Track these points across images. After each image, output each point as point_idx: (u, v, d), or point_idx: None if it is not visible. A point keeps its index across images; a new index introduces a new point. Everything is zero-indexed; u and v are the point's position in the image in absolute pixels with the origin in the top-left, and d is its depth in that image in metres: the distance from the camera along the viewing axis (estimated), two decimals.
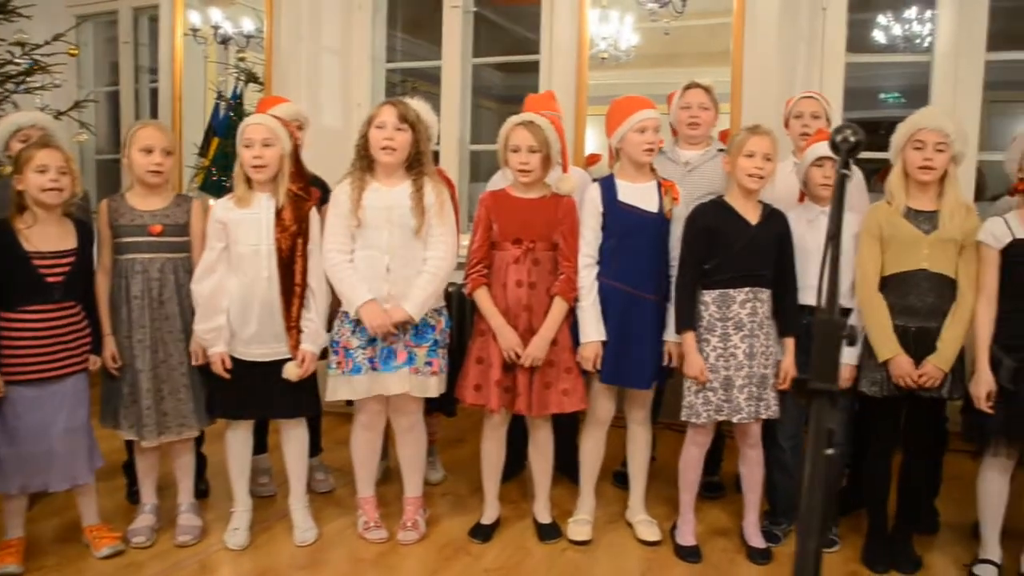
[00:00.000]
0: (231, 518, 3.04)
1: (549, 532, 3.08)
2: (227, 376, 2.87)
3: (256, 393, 2.92)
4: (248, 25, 5.41)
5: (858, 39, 6.64)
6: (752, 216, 2.84)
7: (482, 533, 3.08)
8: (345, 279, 2.87)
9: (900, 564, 2.89)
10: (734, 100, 4.12)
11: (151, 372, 2.86)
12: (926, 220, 2.77)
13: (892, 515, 2.95)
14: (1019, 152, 2.70)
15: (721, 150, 3.15)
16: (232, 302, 2.88)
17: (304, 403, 3.00)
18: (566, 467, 3.38)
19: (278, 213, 2.88)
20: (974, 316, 2.73)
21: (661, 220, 2.91)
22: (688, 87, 3.28)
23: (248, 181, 2.90)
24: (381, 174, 2.91)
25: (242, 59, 5.39)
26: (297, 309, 2.91)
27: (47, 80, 4.61)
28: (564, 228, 2.91)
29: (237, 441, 3.03)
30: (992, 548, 2.84)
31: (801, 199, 3.04)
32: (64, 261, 2.76)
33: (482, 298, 2.91)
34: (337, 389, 2.91)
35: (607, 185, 2.94)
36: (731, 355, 2.82)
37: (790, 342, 2.88)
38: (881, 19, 6.68)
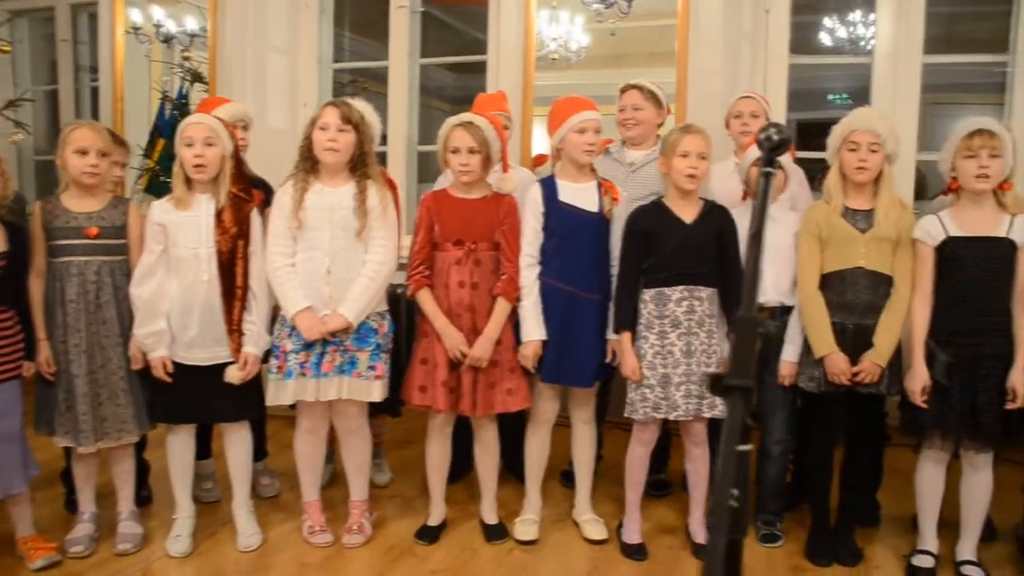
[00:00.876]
0: (173, 525, 2.99)
1: (496, 532, 3.08)
2: (168, 380, 2.83)
3: (197, 397, 2.88)
4: (192, 24, 5.32)
5: (805, 41, 6.77)
6: (688, 215, 2.87)
7: (428, 535, 3.07)
8: (284, 284, 2.84)
9: (842, 557, 2.94)
10: (679, 100, 4.16)
11: (88, 377, 2.80)
12: (863, 219, 2.82)
13: (835, 509, 3.00)
14: (951, 152, 2.76)
15: None
16: (172, 305, 2.84)
17: (246, 407, 2.97)
18: (513, 467, 3.39)
19: (218, 215, 2.84)
20: (909, 312, 2.79)
21: (601, 220, 2.93)
22: (623, 89, 3.31)
23: (188, 182, 2.86)
24: (324, 175, 2.89)
25: (187, 58, 5.30)
26: (238, 312, 2.87)
27: None
28: (505, 228, 2.92)
29: (179, 446, 2.97)
30: (929, 539, 2.90)
31: (744, 198, 3.08)
32: None
33: (425, 299, 2.90)
34: (276, 393, 2.88)
35: (548, 185, 2.95)
36: (668, 352, 2.84)
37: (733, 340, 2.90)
38: (827, 22, 6.79)
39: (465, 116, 2.90)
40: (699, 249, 2.85)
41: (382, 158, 4.72)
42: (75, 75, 5.59)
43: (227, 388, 2.86)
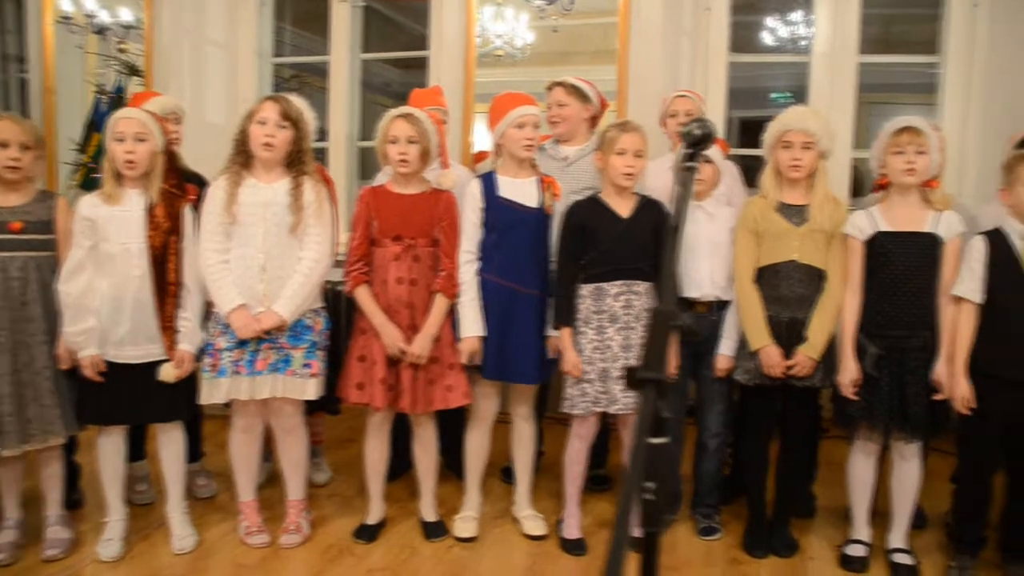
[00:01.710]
0: (104, 528, 2.92)
1: (435, 530, 3.07)
2: (100, 380, 2.76)
3: (129, 397, 2.81)
4: (127, 14, 5.16)
5: (748, 40, 6.86)
6: (624, 210, 2.88)
7: (367, 533, 3.04)
8: (217, 281, 2.80)
9: (778, 549, 2.99)
10: (620, 97, 4.19)
11: (11, 377, 2.71)
12: (797, 214, 2.86)
13: (772, 501, 3.04)
14: (880, 149, 2.82)
15: None
16: (102, 302, 2.78)
17: (179, 406, 2.91)
18: (454, 464, 3.37)
19: (150, 210, 2.78)
20: (841, 305, 2.84)
21: (541, 216, 2.93)
22: (549, 87, 3.32)
23: (118, 177, 2.79)
24: (259, 170, 2.84)
25: (123, 50, 5.16)
26: (171, 309, 2.82)
27: None
28: (444, 224, 2.90)
29: (109, 447, 2.90)
30: (861, 528, 2.96)
31: None
32: None
33: (363, 296, 2.88)
34: (209, 392, 2.83)
35: (488, 180, 2.95)
36: (607, 347, 2.85)
37: None
38: (769, 21, 6.90)
39: (405, 108, 2.89)
40: (636, 244, 2.86)
41: (323, 154, 4.69)
42: (2, 65, 5.41)
43: (160, 387, 2.81)
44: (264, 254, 2.80)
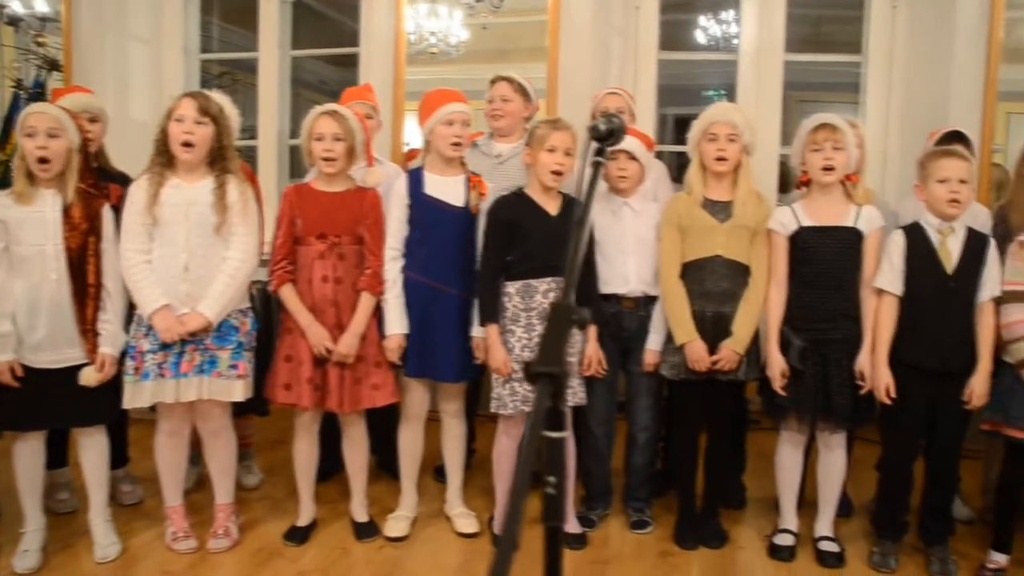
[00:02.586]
0: (22, 539, 2.82)
1: (366, 530, 3.04)
2: (16, 385, 2.67)
3: (46, 402, 2.73)
4: (42, 6, 4.96)
5: (681, 38, 6.95)
6: (552, 207, 2.89)
7: (298, 535, 3.00)
8: (139, 282, 2.73)
9: (708, 540, 3.03)
10: (550, 95, 4.20)
11: None
12: (721, 210, 2.90)
13: (701, 493, 3.08)
14: (799, 147, 2.87)
15: None
16: (17, 306, 2.69)
17: (101, 410, 2.83)
18: (387, 464, 3.35)
19: (67, 211, 2.70)
20: (766, 300, 2.89)
21: (466, 214, 2.92)
22: (493, 80, 3.32)
23: (30, 176, 2.70)
24: (181, 170, 2.78)
25: (41, 44, 4.98)
26: (92, 311, 2.75)
27: None
28: (369, 222, 2.88)
29: (26, 455, 2.81)
30: (789, 518, 3.02)
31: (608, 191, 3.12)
32: None
33: (288, 295, 2.84)
34: (133, 396, 2.76)
35: (414, 177, 2.94)
36: (536, 345, 2.86)
37: (592, 330, 2.94)
38: (702, 20, 7.00)
39: (330, 105, 2.87)
40: (565, 241, 2.85)
41: (253, 152, 4.61)
42: None
43: (79, 391, 2.73)
44: (187, 254, 2.74)
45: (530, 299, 2.85)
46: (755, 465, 3.48)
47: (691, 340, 2.85)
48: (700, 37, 7.09)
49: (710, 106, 2.96)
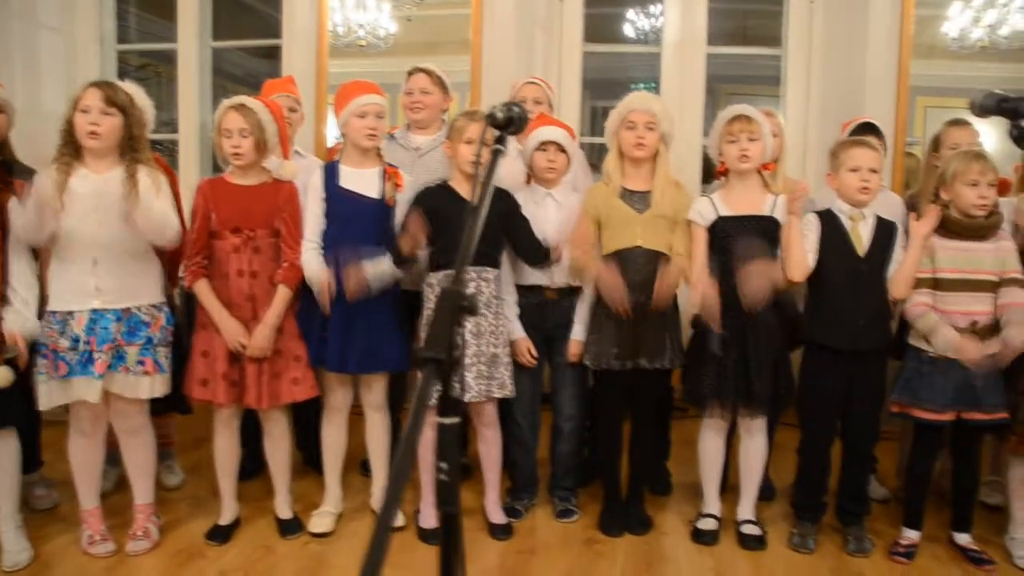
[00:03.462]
0: None
1: (290, 527, 3.00)
2: None
3: None
4: None
5: (609, 31, 6.99)
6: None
7: (220, 534, 2.95)
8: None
9: (632, 526, 3.05)
10: (474, 87, 4.20)
11: None
12: (640, 200, 2.93)
13: (626, 481, 3.11)
14: (716, 138, 2.92)
15: None
16: None
17: (10, 411, 2.73)
18: (312, 460, 3.31)
19: None
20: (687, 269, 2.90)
21: (382, 207, 2.90)
22: (411, 72, 3.30)
23: None
24: (90, 160, 2.70)
25: None
26: None
27: None
28: (286, 215, 2.84)
29: None
30: (712, 503, 3.07)
31: (528, 182, 3.13)
32: None
33: (202, 290, 2.79)
34: (47, 396, 2.68)
35: (330, 170, 2.91)
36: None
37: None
38: (631, 13, 7.08)
39: (238, 99, 2.81)
40: (487, 231, 2.85)
41: (173, 145, 4.50)
42: None
43: None
44: (97, 247, 2.66)
45: None
46: (679, 452, 3.53)
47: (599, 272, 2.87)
48: (629, 30, 7.17)
49: (628, 95, 2.98)
